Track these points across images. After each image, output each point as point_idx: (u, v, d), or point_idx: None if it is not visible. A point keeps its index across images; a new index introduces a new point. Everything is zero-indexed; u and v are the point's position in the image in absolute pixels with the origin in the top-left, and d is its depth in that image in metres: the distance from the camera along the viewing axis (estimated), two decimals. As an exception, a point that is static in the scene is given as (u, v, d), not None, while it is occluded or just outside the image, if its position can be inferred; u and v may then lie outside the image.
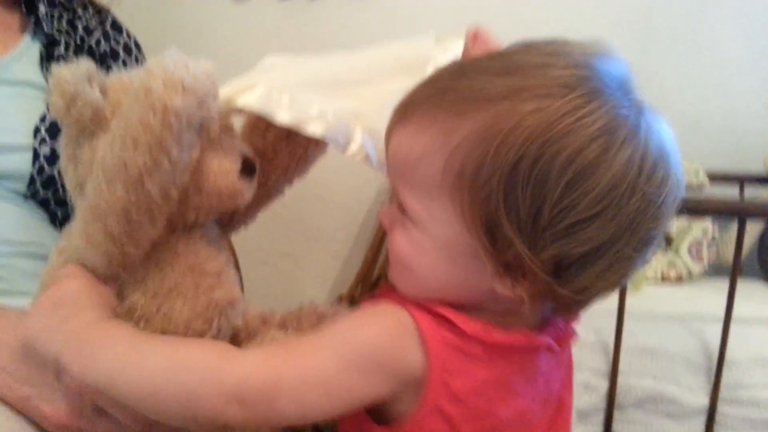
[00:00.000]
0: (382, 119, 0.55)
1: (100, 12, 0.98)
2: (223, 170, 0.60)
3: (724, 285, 1.50)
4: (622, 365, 1.05)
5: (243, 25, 1.61)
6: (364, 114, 0.63)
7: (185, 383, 0.50)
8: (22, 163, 0.81)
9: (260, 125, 0.67)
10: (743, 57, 1.68)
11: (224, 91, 0.61)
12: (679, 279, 1.50)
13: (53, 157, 0.83)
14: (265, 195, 0.71)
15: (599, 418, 1.09)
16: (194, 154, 0.55)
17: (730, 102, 1.69)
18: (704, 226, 1.51)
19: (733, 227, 1.56)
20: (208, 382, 0.50)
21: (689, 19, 1.66)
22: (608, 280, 0.49)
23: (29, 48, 0.88)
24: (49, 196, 0.85)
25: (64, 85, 0.55)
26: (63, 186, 0.85)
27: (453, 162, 0.48)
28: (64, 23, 0.92)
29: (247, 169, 0.62)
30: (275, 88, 0.62)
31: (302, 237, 1.69)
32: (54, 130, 0.83)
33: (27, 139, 0.81)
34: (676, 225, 1.52)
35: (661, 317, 1.19)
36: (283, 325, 0.70)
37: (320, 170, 1.63)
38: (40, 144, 0.82)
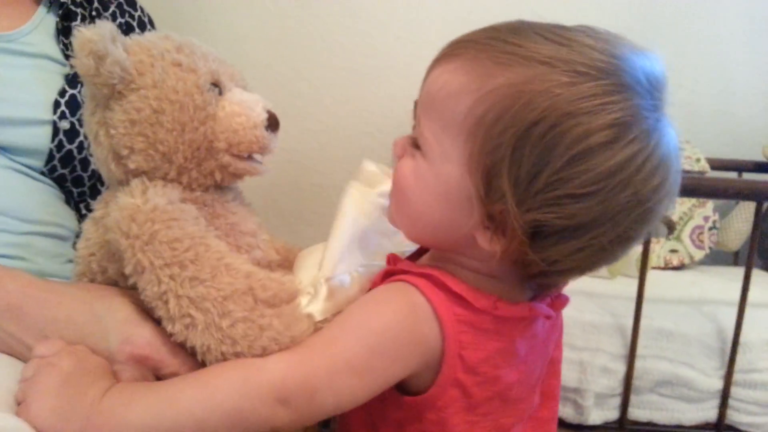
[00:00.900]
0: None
1: (114, -15, 0.95)
2: (251, 123, 0.61)
3: (725, 270, 1.54)
4: (639, 348, 1.05)
5: (243, 4, 1.58)
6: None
7: (227, 406, 0.50)
8: (41, 138, 0.78)
9: None
10: (741, 45, 1.68)
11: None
12: (681, 265, 1.51)
13: (73, 133, 0.80)
14: None
15: (616, 402, 1.09)
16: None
17: (728, 91, 1.69)
18: (705, 213, 1.52)
19: (733, 214, 1.58)
20: (249, 395, 0.50)
21: (687, 6, 1.66)
22: (577, 261, 0.52)
23: (44, 20, 0.84)
24: (66, 173, 0.82)
25: (90, 44, 0.54)
26: (81, 162, 0.82)
27: (479, 106, 0.50)
28: (78, -5, 0.88)
29: (272, 122, 0.63)
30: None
31: (302, 223, 1.67)
32: (74, 105, 0.80)
33: (46, 113, 0.78)
34: (678, 211, 1.53)
35: (672, 301, 1.19)
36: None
37: (319, 158, 1.64)
38: (60, 118, 0.79)
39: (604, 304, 1.14)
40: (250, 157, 0.64)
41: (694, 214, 1.53)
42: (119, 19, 0.91)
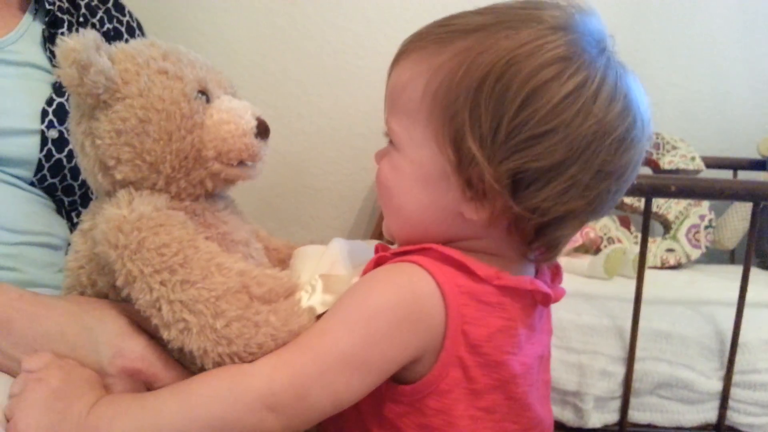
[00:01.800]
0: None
1: (102, -10, 0.93)
2: (240, 131, 0.60)
3: (722, 269, 1.53)
4: (638, 350, 1.04)
5: (232, 6, 1.57)
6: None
7: (211, 417, 0.48)
8: (29, 148, 0.76)
9: None
10: (734, 43, 1.67)
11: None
12: (678, 264, 1.50)
13: (61, 142, 0.78)
14: None
15: (616, 405, 1.07)
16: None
17: (722, 88, 1.68)
18: (701, 212, 1.52)
19: (729, 213, 1.58)
20: (234, 405, 0.49)
21: (680, 5, 1.66)
22: (567, 204, 0.51)
23: (30, 27, 0.83)
24: (56, 182, 0.80)
25: (74, 54, 0.53)
26: (71, 171, 0.80)
27: (431, 83, 0.53)
28: (65, 1, 0.87)
29: (261, 129, 0.62)
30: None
31: (296, 226, 1.65)
32: (62, 114, 0.78)
33: (34, 123, 0.77)
34: (674, 210, 1.53)
35: (669, 302, 1.18)
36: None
37: (315, 160, 1.62)
38: (48, 128, 0.77)
39: (601, 306, 1.13)
40: (241, 163, 0.63)
41: (689, 213, 1.52)
42: (107, 25, 0.90)
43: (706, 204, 1.52)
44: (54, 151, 0.78)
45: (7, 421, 0.51)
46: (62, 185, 0.81)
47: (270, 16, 1.58)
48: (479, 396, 0.54)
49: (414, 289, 0.52)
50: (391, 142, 0.58)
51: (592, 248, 1.45)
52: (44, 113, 0.77)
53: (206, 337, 0.51)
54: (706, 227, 1.51)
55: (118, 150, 0.57)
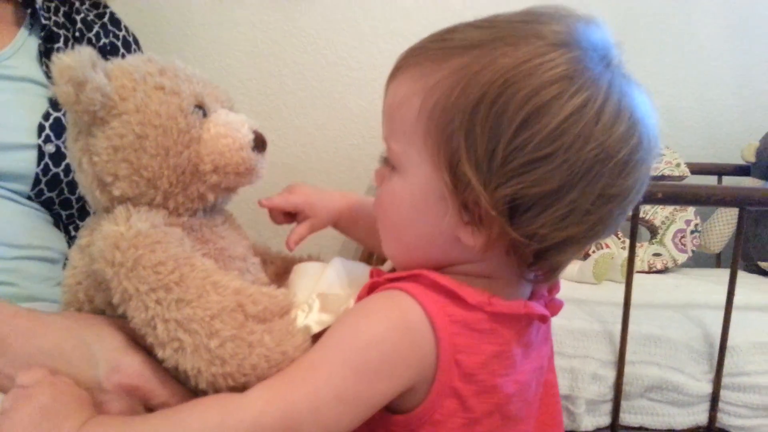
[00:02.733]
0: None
1: (98, 5, 0.92)
2: (237, 145, 0.59)
3: (708, 272, 1.53)
4: (628, 354, 1.04)
5: (229, 20, 1.56)
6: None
7: None
8: (26, 163, 0.75)
9: None
10: (719, 52, 1.69)
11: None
12: (665, 268, 1.50)
13: (59, 156, 0.77)
14: None
15: (607, 408, 1.07)
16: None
17: (707, 95, 1.70)
18: (687, 217, 1.52)
19: (714, 217, 1.58)
20: None
21: (666, 15, 1.67)
22: (566, 230, 0.48)
23: (26, 42, 0.82)
24: (53, 196, 0.79)
25: (69, 71, 0.52)
26: (68, 185, 0.80)
27: (427, 103, 0.49)
28: (61, 16, 0.86)
29: (259, 143, 0.61)
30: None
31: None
32: (58, 128, 0.77)
33: (31, 137, 0.76)
34: (660, 215, 1.53)
35: (657, 306, 1.18)
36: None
37: (310, 170, 1.61)
38: (45, 142, 0.76)
39: (591, 311, 1.13)
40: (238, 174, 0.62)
41: (676, 218, 1.52)
42: (103, 39, 0.89)
43: (691, 209, 1.53)
44: (51, 166, 0.77)
45: None
46: (59, 199, 0.80)
47: (265, 31, 1.58)
48: (476, 423, 0.52)
49: (404, 320, 0.49)
50: (389, 162, 0.55)
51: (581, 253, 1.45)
52: (41, 128, 0.76)
53: (200, 357, 0.50)
54: (692, 232, 1.52)
55: (116, 166, 0.56)
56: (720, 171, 1.64)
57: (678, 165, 1.55)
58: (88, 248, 0.58)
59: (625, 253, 1.02)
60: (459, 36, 0.50)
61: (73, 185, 0.80)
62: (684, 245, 1.51)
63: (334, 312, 0.57)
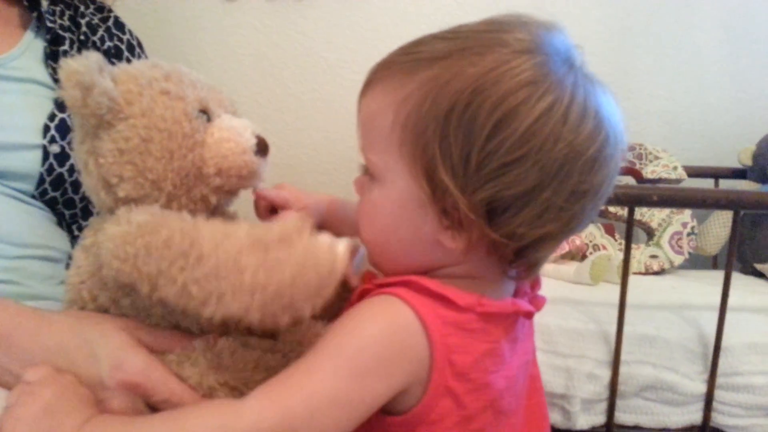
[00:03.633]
0: None
1: (102, 9, 0.93)
2: (240, 149, 0.60)
3: (704, 274, 1.53)
4: (623, 354, 1.04)
5: (231, 24, 1.57)
6: None
7: None
8: (31, 162, 0.76)
9: None
10: (716, 55, 1.69)
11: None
12: (662, 270, 1.50)
13: (63, 156, 0.78)
14: None
15: (603, 407, 1.07)
16: None
17: (704, 99, 1.70)
18: (684, 219, 1.52)
19: (710, 220, 1.58)
20: None
21: (664, 19, 1.67)
22: (544, 228, 0.50)
23: (32, 44, 0.83)
24: (57, 196, 0.80)
25: (77, 76, 0.53)
26: (72, 185, 0.80)
27: (399, 115, 0.51)
28: (66, 19, 0.87)
29: (262, 147, 0.62)
30: None
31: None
32: (63, 129, 0.78)
33: (36, 137, 0.76)
34: (657, 218, 1.53)
35: (653, 306, 1.18)
36: None
37: (311, 172, 1.62)
38: (50, 143, 0.77)
39: (587, 311, 1.13)
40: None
41: (672, 221, 1.52)
42: (108, 43, 0.90)
43: (688, 212, 1.53)
44: (56, 166, 0.78)
45: None
46: (63, 198, 0.81)
47: (268, 35, 1.59)
48: (470, 420, 0.53)
49: (396, 322, 0.50)
50: (369, 173, 0.56)
51: (578, 255, 1.45)
52: (46, 128, 0.77)
53: (241, 294, 0.49)
54: (689, 234, 1.52)
55: (121, 168, 0.57)
56: (717, 174, 1.64)
57: (675, 168, 1.55)
58: (92, 248, 0.59)
59: (622, 255, 1.03)
60: (426, 48, 0.52)
61: (76, 185, 0.81)
62: (680, 247, 1.51)
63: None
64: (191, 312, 0.51)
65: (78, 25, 0.87)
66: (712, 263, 1.66)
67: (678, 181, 1.55)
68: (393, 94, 0.52)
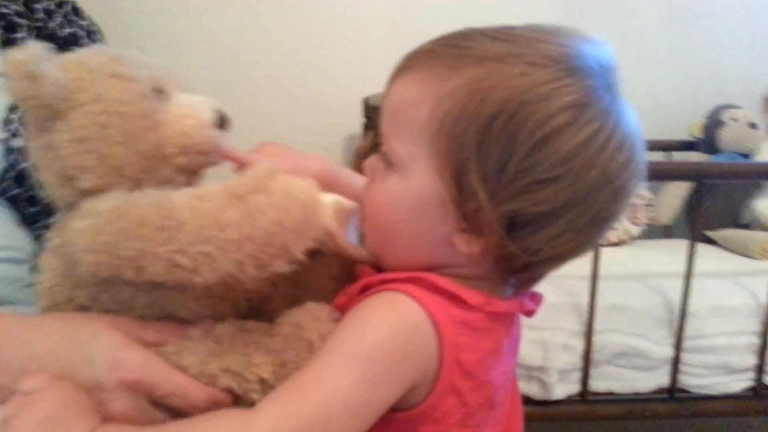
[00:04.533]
0: None
1: (58, -5, 0.87)
2: (200, 124, 0.57)
3: (660, 244, 1.57)
4: (595, 324, 1.07)
5: (185, 8, 1.52)
6: None
7: None
8: None
9: None
10: (661, 27, 1.71)
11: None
12: (620, 242, 1.54)
13: (26, 151, 0.73)
14: None
15: (577, 376, 1.09)
16: None
17: (653, 75, 1.72)
18: (639, 192, 1.56)
19: (665, 190, 1.62)
20: None
21: (613, 4, 1.70)
22: (558, 247, 0.49)
23: (-15, 34, 0.77)
24: (21, 193, 0.75)
25: (23, 66, 0.49)
26: (36, 181, 0.76)
27: (439, 109, 0.49)
28: (20, 5, 0.81)
29: (222, 121, 0.59)
30: None
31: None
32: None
33: None
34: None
35: (619, 277, 1.19)
36: None
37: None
38: (12, 136, 0.72)
39: (559, 284, 1.14)
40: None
41: (629, 193, 1.56)
42: (67, 29, 0.84)
43: (643, 184, 1.56)
44: (19, 161, 0.73)
45: None
46: (26, 195, 0.76)
47: (221, 19, 1.55)
48: (471, 416, 0.52)
49: (406, 322, 0.49)
50: (386, 160, 0.53)
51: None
52: (7, 122, 0.72)
53: (230, 251, 0.47)
54: (647, 206, 1.56)
55: (81, 158, 0.52)
56: (668, 147, 1.68)
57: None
58: (60, 249, 0.54)
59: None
60: (476, 45, 0.49)
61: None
62: (637, 218, 1.55)
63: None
64: (184, 283, 0.48)
65: (34, 11, 0.81)
66: (665, 233, 1.71)
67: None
68: (435, 86, 0.49)
